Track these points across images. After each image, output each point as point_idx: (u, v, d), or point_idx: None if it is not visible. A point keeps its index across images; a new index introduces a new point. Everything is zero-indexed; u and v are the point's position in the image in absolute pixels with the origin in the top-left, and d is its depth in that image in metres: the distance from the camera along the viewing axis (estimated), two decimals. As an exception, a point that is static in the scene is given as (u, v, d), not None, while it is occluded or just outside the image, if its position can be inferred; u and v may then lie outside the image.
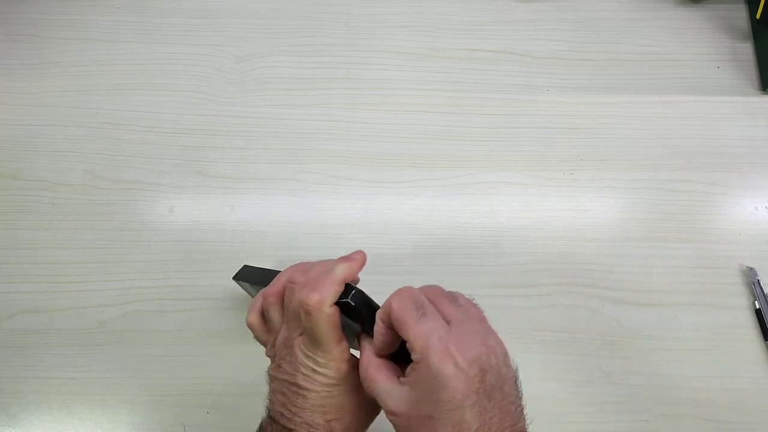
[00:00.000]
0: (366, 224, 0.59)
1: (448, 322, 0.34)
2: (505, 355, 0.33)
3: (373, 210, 0.60)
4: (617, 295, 0.56)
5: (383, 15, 0.68)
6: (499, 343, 0.34)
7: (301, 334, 0.38)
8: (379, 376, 0.35)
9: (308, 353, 0.37)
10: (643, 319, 0.55)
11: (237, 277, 0.51)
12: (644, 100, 0.65)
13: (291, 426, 0.37)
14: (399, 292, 0.35)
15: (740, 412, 0.52)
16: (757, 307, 0.55)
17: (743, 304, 0.56)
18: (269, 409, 0.39)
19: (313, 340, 0.37)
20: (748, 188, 0.61)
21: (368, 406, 0.38)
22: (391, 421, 0.34)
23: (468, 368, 0.31)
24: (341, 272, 0.37)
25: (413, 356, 0.32)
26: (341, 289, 0.37)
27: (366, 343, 0.37)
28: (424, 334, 0.32)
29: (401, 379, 0.34)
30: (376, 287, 0.56)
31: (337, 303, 0.37)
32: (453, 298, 0.37)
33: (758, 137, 0.63)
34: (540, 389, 0.53)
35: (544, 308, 0.56)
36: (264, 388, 0.40)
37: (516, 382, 0.33)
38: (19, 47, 0.66)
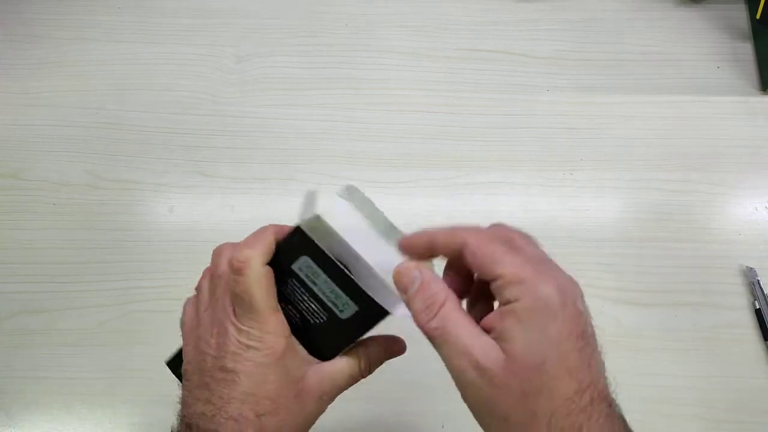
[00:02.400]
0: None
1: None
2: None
3: (373, 210, 0.59)
4: (617, 295, 0.56)
5: (383, 15, 0.68)
6: (577, 284, 0.29)
7: (232, 307, 0.32)
8: (461, 323, 0.28)
9: (241, 326, 0.31)
10: (643, 319, 0.55)
11: None
12: (644, 100, 0.65)
13: (213, 427, 0.30)
14: (467, 229, 0.29)
15: (740, 412, 0.52)
16: (757, 307, 0.55)
17: (743, 304, 0.56)
18: (184, 416, 0.33)
19: (246, 309, 0.31)
20: (748, 188, 0.61)
21: (308, 404, 0.32)
22: (471, 384, 0.27)
23: (572, 305, 0.27)
24: (275, 229, 0.33)
25: (508, 293, 0.27)
26: (272, 247, 0.32)
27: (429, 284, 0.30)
28: (520, 265, 0.27)
29: (490, 330, 0.28)
30: (376, 287, 0.56)
31: (283, 245, 0.32)
32: (524, 236, 0.31)
33: (758, 137, 0.63)
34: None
35: (544, 308, 0.56)
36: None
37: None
38: (19, 47, 0.66)
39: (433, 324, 0.28)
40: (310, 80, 0.65)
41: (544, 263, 0.29)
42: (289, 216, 0.59)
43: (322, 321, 0.33)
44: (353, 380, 0.34)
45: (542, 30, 0.68)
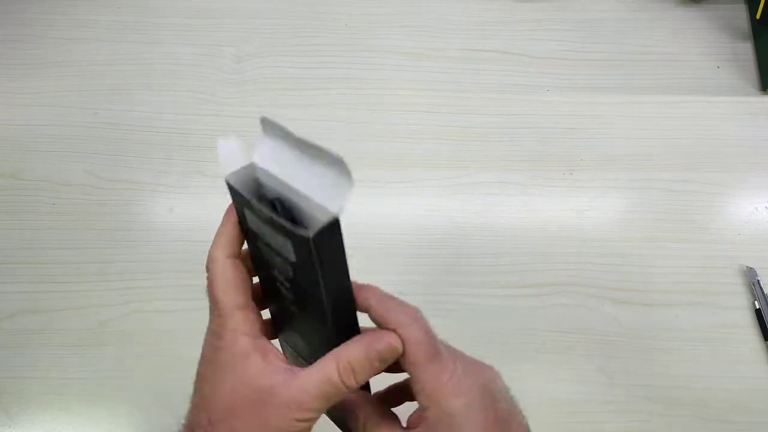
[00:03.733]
0: (366, 224, 0.59)
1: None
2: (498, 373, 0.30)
3: (373, 210, 0.59)
4: (617, 295, 0.56)
5: (383, 15, 0.68)
6: (490, 369, 0.30)
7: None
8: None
9: (210, 326, 0.29)
10: (643, 319, 0.55)
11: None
12: (644, 100, 0.65)
13: None
14: (418, 323, 0.29)
15: (740, 412, 0.52)
16: (757, 307, 0.55)
17: (743, 304, 0.56)
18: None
19: (213, 307, 0.29)
20: (748, 188, 0.61)
21: (271, 416, 0.27)
22: None
23: (483, 410, 0.28)
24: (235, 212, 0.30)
25: (421, 401, 0.28)
26: (234, 229, 0.30)
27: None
28: (437, 375, 0.28)
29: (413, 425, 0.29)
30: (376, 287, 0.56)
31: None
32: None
33: (758, 137, 0.63)
34: (540, 389, 0.53)
35: (544, 308, 0.56)
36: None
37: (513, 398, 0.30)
38: (19, 47, 0.66)
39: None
40: (310, 80, 0.65)
41: (452, 365, 0.28)
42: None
43: (292, 284, 0.28)
44: (332, 388, 0.27)
45: (542, 30, 0.68)
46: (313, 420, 0.28)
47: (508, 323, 0.55)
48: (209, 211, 0.59)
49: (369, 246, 0.58)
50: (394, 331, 0.28)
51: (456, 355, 0.29)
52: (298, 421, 0.27)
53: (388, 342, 0.28)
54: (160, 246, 0.58)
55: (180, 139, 0.62)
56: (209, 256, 0.30)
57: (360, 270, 0.55)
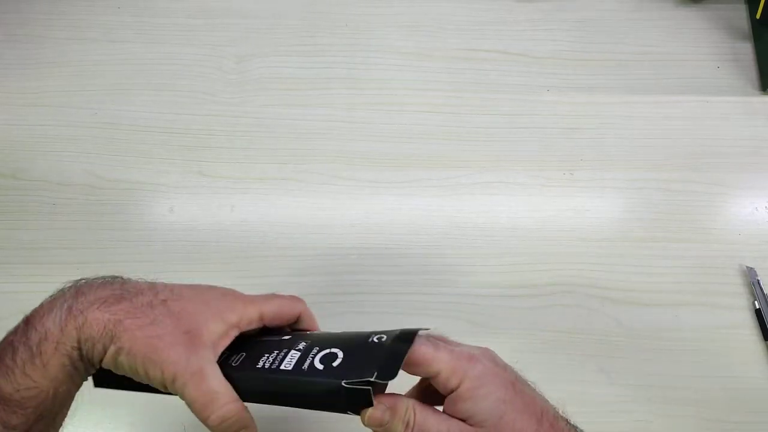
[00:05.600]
0: (366, 224, 0.59)
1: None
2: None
3: (373, 210, 0.59)
4: (617, 295, 0.56)
5: (383, 15, 0.68)
6: (487, 349, 0.35)
7: None
8: (433, 420, 0.32)
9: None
10: (643, 319, 0.55)
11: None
12: (644, 100, 0.65)
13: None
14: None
15: (740, 412, 0.52)
16: (757, 307, 0.55)
17: (743, 304, 0.56)
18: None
19: None
20: (748, 188, 0.61)
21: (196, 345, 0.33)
22: None
23: (496, 370, 0.33)
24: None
25: (451, 383, 0.32)
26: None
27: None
28: (449, 359, 0.32)
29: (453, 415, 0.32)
30: (377, 287, 0.56)
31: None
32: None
33: (758, 137, 0.63)
34: (539, 389, 0.52)
35: (544, 308, 0.56)
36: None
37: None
38: (19, 47, 0.66)
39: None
40: (310, 80, 0.65)
41: (458, 347, 0.34)
42: (290, 216, 0.59)
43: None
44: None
45: (542, 30, 0.68)
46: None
47: (508, 323, 0.55)
48: (209, 211, 0.59)
49: (369, 246, 0.58)
50: None
51: (451, 342, 0.34)
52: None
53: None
54: (160, 246, 0.58)
55: (180, 139, 0.62)
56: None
57: (360, 270, 0.56)
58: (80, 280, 0.35)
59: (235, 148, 0.62)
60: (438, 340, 0.34)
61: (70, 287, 0.34)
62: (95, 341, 0.31)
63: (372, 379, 0.29)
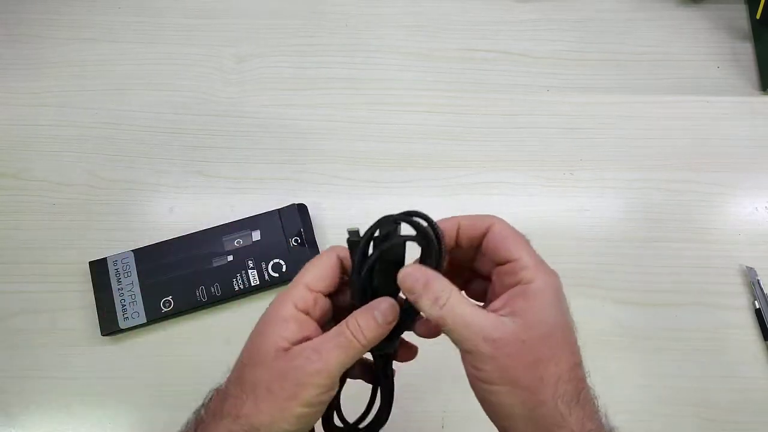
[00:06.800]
0: (366, 224, 0.59)
1: None
2: None
3: (373, 210, 0.59)
4: (617, 295, 0.56)
5: (383, 15, 0.68)
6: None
7: None
8: (469, 308, 0.30)
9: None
10: (643, 319, 0.55)
11: None
12: (644, 100, 0.65)
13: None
14: (493, 216, 0.33)
15: (740, 412, 0.52)
16: (757, 307, 0.55)
17: (743, 304, 0.56)
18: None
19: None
20: (748, 188, 0.61)
21: (286, 368, 0.31)
22: (483, 356, 0.29)
23: (564, 297, 0.32)
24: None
25: (525, 275, 0.30)
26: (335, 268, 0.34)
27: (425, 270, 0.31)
28: (533, 254, 0.31)
29: (497, 310, 0.30)
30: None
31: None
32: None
33: (758, 137, 0.63)
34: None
35: (544, 308, 0.55)
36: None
37: None
38: (19, 47, 0.66)
39: (444, 312, 0.30)
40: (310, 80, 0.65)
41: (541, 258, 0.33)
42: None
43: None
44: (345, 341, 0.31)
45: (542, 30, 0.68)
46: (331, 378, 0.31)
47: (508, 323, 0.55)
48: (209, 211, 0.59)
49: (369, 246, 0.58)
50: (491, 224, 0.33)
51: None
52: (314, 373, 0.30)
53: (388, 302, 0.32)
54: (160, 246, 0.58)
55: (180, 139, 0.62)
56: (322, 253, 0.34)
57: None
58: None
59: (235, 148, 0.62)
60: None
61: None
62: None
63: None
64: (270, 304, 0.33)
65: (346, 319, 0.32)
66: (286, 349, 0.31)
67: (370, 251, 0.32)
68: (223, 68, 0.66)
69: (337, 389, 0.32)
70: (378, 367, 0.36)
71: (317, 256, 0.34)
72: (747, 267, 0.57)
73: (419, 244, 0.32)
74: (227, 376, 0.33)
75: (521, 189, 0.61)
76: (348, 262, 0.34)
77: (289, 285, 0.33)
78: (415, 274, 0.31)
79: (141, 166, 0.61)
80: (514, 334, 0.29)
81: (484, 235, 0.33)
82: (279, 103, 0.64)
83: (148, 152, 0.62)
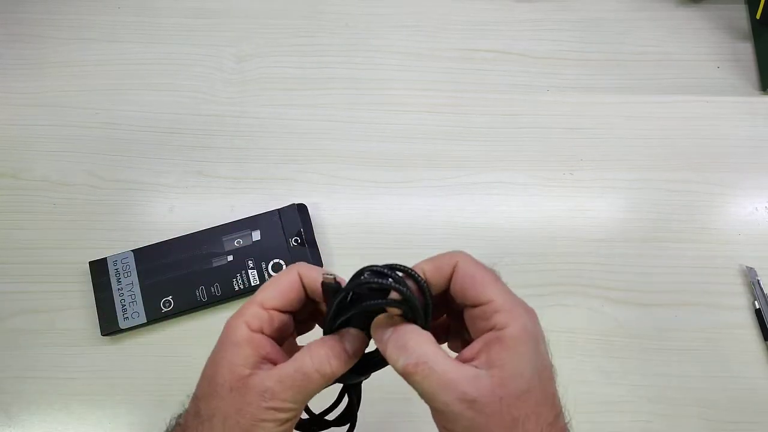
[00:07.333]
0: (366, 224, 0.59)
1: None
2: None
3: (373, 210, 0.59)
4: (617, 295, 0.56)
5: (383, 15, 0.68)
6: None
7: None
8: (440, 357, 0.27)
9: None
10: (643, 319, 0.55)
11: None
12: (644, 100, 0.65)
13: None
14: (457, 253, 0.30)
15: (740, 412, 0.52)
16: (757, 307, 0.55)
17: (743, 304, 0.56)
18: None
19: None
20: (748, 188, 0.61)
21: (248, 399, 0.29)
22: (458, 416, 0.27)
23: (543, 338, 0.29)
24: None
25: (498, 319, 0.28)
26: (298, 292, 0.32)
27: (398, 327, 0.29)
28: (506, 294, 0.28)
29: (472, 359, 0.28)
30: (376, 287, 0.56)
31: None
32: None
33: (758, 137, 0.63)
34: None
35: (544, 308, 0.55)
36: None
37: None
38: (19, 47, 0.66)
39: (411, 361, 0.27)
40: (310, 80, 0.65)
41: (514, 295, 0.30)
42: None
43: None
44: (304, 377, 0.29)
45: (542, 30, 0.68)
46: (289, 411, 0.29)
47: (508, 323, 0.55)
48: (209, 211, 0.59)
49: (369, 246, 0.58)
50: (456, 263, 0.30)
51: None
52: (270, 409, 0.28)
53: (355, 335, 0.31)
54: (160, 246, 0.58)
55: (180, 139, 0.62)
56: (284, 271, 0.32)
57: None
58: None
59: (235, 148, 0.62)
60: (496, 274, 0.30)
61: None
62: None
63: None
64: (225, 325, 0.31)
65: (309, 348, 0.30)
66: (242, 377, 0.29)
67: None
68: (223, 68, 0.66)
69: (300, 414, 0.31)
70: (346, 389, 0.35)
71: (277, 274, 0.33)
72: (747, 267, 0.57)
73: (399, 308, 0.29)
74: (186, 406, 0.32)
75: (521, 189, 0.60)
76: (309, 279, 0.32)
77: (243, 304, 0.32)
78: (383, 323, 0.30)
79: (141, 166, 0.61)
80: (491, 390, 0.26)
81: (450, 276, 0.30)
82: (279, 103, 0.64)
83: (148, 152, 0.62)
